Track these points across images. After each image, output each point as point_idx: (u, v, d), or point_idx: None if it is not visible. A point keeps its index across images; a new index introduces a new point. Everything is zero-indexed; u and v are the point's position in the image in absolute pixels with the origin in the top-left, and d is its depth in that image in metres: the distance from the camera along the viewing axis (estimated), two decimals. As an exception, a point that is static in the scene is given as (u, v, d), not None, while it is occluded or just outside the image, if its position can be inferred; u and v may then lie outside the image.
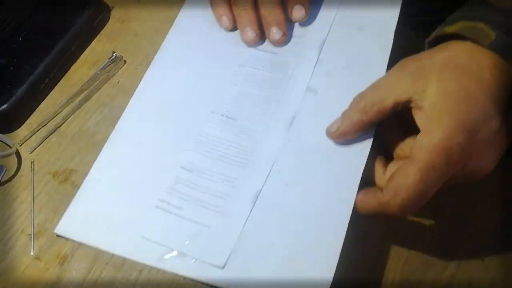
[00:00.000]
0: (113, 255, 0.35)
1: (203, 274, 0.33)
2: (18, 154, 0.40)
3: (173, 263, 0.34)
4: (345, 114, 0.35)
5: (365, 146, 0.35)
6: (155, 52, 0.43)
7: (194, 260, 0.34)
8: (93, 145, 0.39)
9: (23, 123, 0.42)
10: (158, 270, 0.34)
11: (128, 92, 0.42)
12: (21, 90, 0.41)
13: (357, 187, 0.34)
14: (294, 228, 0.34)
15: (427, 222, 0.37)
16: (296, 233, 0.34)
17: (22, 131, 0.41)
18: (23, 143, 0.41)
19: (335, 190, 0.34)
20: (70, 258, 0.35)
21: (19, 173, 0.39)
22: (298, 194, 0.35)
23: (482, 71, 0.31)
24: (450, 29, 0.33)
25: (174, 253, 0.34)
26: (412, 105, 0.32)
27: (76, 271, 0.35)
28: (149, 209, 0.35)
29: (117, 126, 0.39)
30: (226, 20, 0.41)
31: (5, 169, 0.39)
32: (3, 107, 0.40)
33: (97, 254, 0.35)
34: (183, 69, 0.41)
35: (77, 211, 0.36)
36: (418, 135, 0.32)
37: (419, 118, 0.32)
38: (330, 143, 0.36)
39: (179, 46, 0.42)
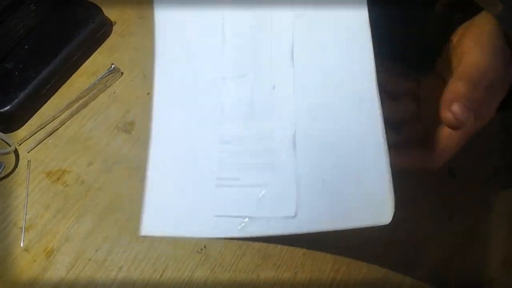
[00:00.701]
0: (97, 250, 0.37)
1: (280, 229, 0.35)
2: (16, 152, 0.41)
3: (251, 229, 0.36)
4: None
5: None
6: (151, 66, 0.44)
7: (267, 219, 0.36)
8: (87, 148, 0.41)
9: (24, 124, 0.42)
10: (137, 267, 0.36)
11: (122, 101, 0.43)
12: (24, 93, 0.41)
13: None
14: (336, 159, 0.35)
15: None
16: (339, 164, 0.35)
17: (22, 132, 0.42)
18: (22, 142, 0.41)
19: (358, 115, 0.35)
20: (56, 252, 0.36)
21: (16, 170, 0.40)
22: (328, 127, 0.36)
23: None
24: None
25: (247, 220, 0.36)
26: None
27: (60, 264, 0.36)
28: (211, 189, 0.38)
29: (153, 121, 0.40)
30: None
31: (3, 165, 0.40)
32: (6, 108, 0.40)
33: (81, 250, 0.37)
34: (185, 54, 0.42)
35: (153, 209, 0.38)
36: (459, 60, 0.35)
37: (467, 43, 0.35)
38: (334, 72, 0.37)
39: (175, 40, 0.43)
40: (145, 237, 0.37)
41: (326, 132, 0.36)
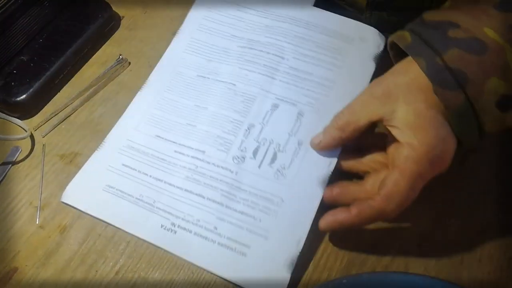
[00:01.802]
0: (106, 226, 0.39)
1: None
2: (32, 137, 0.43)
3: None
4: (325, 130, 0.39)
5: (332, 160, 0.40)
6: (156, 56, 0.47)
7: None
8: (96, 133, 0.43)
9: (39, 111, 0.45)
10: (143, 242, 0.38)
11: (129, 89, 0.46)
12: (39, 83, 0.44)
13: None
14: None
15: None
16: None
17: (37, 118, 0.44)
18: (37, 128, 0.44)
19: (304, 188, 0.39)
20: (69, 229, 0.39)
21: (31, 154, 0.42)
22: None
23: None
24: (390, 38, 0.38)
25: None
26: (385, 123, 0.35)
27: (73, 239, 0.38)
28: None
29: (131, 104, 0.44)
30: None
31: (20, 150, 0.42)
32: (22, 97, 0.43)
33: (92, 226, 0.39)
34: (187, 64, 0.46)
35: (78, 184, 0.41)
36: (398, 146, 0.34)
37: (397, 133, 0.35)
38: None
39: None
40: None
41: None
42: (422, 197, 0.36)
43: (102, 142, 0.42)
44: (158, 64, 0.46)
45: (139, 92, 0.45)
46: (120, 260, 0.37)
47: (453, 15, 0.35)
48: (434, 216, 0.39)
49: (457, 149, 0.35)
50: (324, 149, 0.39)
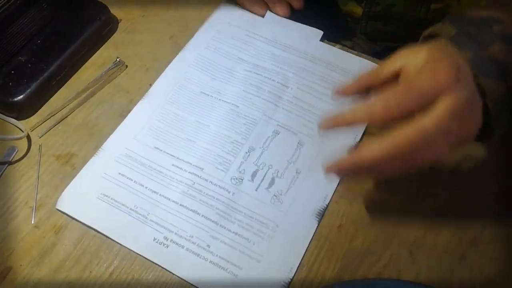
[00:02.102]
0: (88, 225, 0.39)
1: None
2: (29, 138, 0.43)
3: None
4: (359, 76, 0.39)
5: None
6: (153, 60, 0.48)
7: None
8: (92, 134, 0.44)
9: (35, 112, 0.45)
10: None
11: (126, 91, 0.46)
12: (36, 84, 0.44)
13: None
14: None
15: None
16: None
17: (34, 119, 0.45)
18: (34, 129, 0.44)
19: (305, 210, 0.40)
20: (64, 229, 0.39)
21: (28, 154, 0.43)
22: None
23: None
24: (430, 29, 0.40)
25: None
26: (402, 72, 0.36)
27: (68, 240, 0.39)
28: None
29: (134, 109, 0.45)
30: None
31: (16, 149, 0.43)
32: (19, 97, 0.43)
33: (87, 227, 0.39)
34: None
35: (73, 192, 0.41)
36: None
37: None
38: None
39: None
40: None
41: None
42: (414, 206, 0.37)
43: (100, 149, 0.43)
44: (162, 75, 0.47)
45: (140, 101, 0.45)
46: (114, 262, 0.38)
47: (497, 13, 0.38)
48: (426, 225, 0.40)
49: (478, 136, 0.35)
50: (348, 92, 0.38)
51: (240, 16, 0.51)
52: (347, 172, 0.35)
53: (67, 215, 0.40)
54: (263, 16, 0.50)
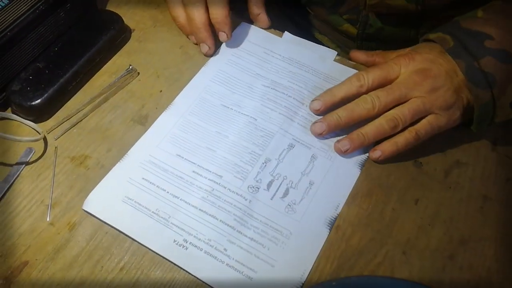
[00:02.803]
0: (112, 226, 0.41)
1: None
2: (45, 140, 0.45)
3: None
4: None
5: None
6: (164, 68, 0.50)
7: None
8: (105, 138, 0.46)
9: (52, 116, 0.47)
10: None
11: (138, 97, 0.48)
12: (53, 89, 0.46)
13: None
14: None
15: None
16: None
17: (50, 122, 0.46)
18: (50, 131, 0.46)
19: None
20: (77, 226, 0.41)
21: (44, 155, 0.44)
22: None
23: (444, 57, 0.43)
24: (431, 36, 0.45)
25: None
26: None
27: (81, 236, 0.40)
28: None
29: (160, 117, 0.47)
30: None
31: (33, 151, 0.44)
32: (37, 101, 0.45)
33: (100, 224, 0.41)
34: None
35: (101, 193, 0.43)
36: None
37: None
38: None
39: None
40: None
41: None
42: (407, 209, 0.39)
43: (125, 155, 0.44)
44: (185, 88, 0.49)
45: (164, 112, 0.47)
46: (125, 257, 0.40)
47: (489, 27, 0.42)
48: (418, 225, 0.42)
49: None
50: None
51: (258, 34, 0.53)
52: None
53: (93, 215, 0.41)
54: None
